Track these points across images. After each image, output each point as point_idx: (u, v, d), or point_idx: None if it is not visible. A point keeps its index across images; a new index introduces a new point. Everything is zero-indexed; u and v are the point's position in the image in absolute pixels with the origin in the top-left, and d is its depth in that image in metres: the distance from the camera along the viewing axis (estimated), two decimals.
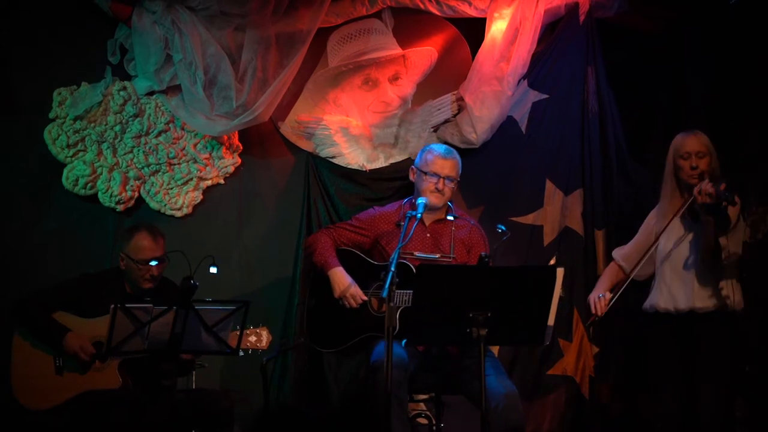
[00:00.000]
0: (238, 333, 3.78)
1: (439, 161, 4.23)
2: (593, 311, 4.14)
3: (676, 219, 4.04)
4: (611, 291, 4.17)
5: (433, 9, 4.98)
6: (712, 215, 3.86)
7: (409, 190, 4.42)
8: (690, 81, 5.07)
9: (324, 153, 4.99)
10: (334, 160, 4.99)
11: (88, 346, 3.93)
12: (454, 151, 4.33)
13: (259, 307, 4.30)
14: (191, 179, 4.88)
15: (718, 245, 3.91)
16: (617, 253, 4.38)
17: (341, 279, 4.16)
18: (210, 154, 4.90)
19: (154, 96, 4.85)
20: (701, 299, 4.00)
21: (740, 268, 4.05)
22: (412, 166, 4.36)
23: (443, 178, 4.21)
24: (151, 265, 4.08)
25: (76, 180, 4.75)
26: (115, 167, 4.81)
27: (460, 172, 4.29)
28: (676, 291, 4.06)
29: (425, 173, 4.23)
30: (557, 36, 5.04)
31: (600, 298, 4.14)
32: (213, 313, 3.65)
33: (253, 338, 4.01)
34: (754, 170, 4.33)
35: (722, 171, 4.00)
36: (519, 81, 4.94)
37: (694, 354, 4.01)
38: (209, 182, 4.92)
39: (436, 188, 4.20)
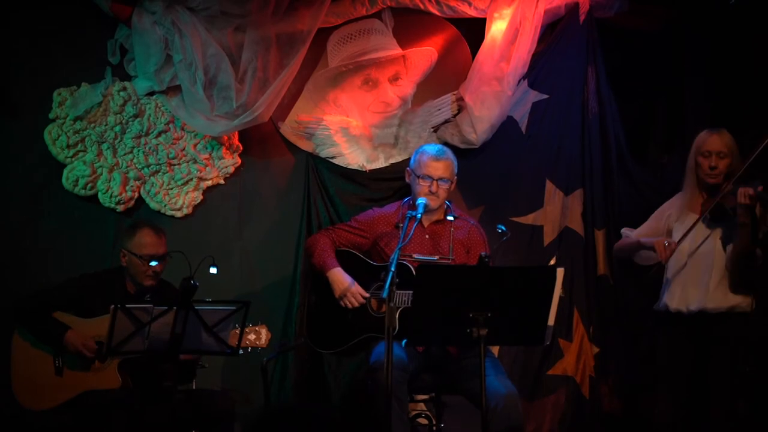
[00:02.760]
0: (238, 331, 3.78)
1: (432, 163, 4.20)
2: (660, 257, 4.04)
3: (695, 217, 4.04)
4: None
5: (433, 9, 4.98)
6: (750, 217, 3.86)
7: (409, 190, 4.42)
8: (690, 81, 5.07)
9: (324, 153, 4.99)
10: (334, 161, 4.99)
11: (90, 342, 3.92)
12: (448, 151, 4.30)
13: (259, 307, 4.30)
14: (191, 179, 4.88)
15: (754, 247, 3.91)
16: (628, 231, 4.36)
17: (341, 279, 4.17)
18: (210, 154, 4.90)
19: (154, 96, 4.85)
20: (714, 300, 4.00)
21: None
22: (407, 168, 4.35)
23: (436, 180, 4.19)
24: (154, 263, 4.09)
25: (76, 180, 4.75)
26: (115, 167, 4.81)
27: (455, 171, 4.26)
28: (689, 291, 4.06)
29: (419, 176, 4.21)
30: (557, 36, 5.03)
31: (666, 244, 4.02)
32: (213, 314, 3.65)
33: (252, 336, 4.01)
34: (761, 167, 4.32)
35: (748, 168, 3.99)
36: (519, 81, 4.94)
37: (706, 354, 4.01)
38: (209, 182, 4.92)
39: (430, 191, 4.18)
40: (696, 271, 4.07)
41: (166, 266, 4.17)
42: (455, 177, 4.28)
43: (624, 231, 4.43)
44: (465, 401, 4.00)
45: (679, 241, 4.07)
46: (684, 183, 4.20)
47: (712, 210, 4.01)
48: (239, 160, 4.94)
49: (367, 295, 4.16)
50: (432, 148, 4.30)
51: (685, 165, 4.22)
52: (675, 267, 4.13)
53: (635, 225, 4.43)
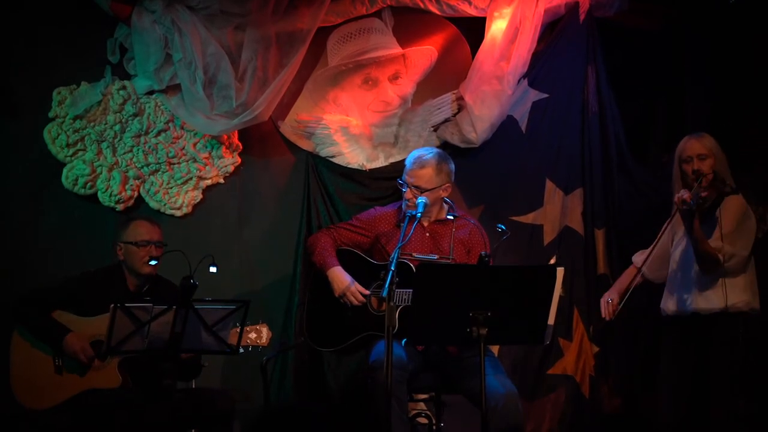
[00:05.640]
0: (238, 330, 3.78)
1: (407, 171, 4.21)
2: (603, 314, 4.19)
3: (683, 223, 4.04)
4: (621, 294, 4.17)
5: (433, 8, 4.98)
6: (691, 221, 3.85)
7: None
8: (690, 79, 5.08)
9: (324, 152, 4.99)
10: (334, 160, 4.99)
11: (89, 348, 3.93)
12: (429, 158, 4.21)
13: (259, 306, 4.32)
14: (191, 178, 4.88)
15: (708, 248, 3.90)
16: (637, 258, 4.34)
17: (340, 278, 4.17)
18: (210, 153, 4.90)
19: (154, 95, 4.85)
20: (704, 301, 3.99)
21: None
22: None
23: (411, 188, 4.18)
24: (152, 246, 4.10)
25: (76, 179, 4.75)
26: (115, 166, 4.81)
27: (436, 179, 4.18)
28: (682, 293, 4.06)
29: (401, 182, 4.24)
30: (557, 35, 5.04)
31: (609, 302, 4.16)
32: (213, 313, 3.65)
33: (253, 335, 4.01)
34: (752, 169, 4.33)
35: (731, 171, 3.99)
36: (519, 80, 4.94)
37: (706, 355, 4.01)
38: (209, 181, 4.91)
39: (406, 197, 4.19)
40: (685, 273, 4.07)
41: (167, 265, 4.17)
42: (447, 185, 4.25)
43: (634, 258, 4.37)
44: (465, 400, 4.00)
45: (635, 276, 4.15)
46: (674, 191, 4.18)
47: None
48: (239, 159, 4.94)
49: (367, 293, 4.16)
50: (413, 155, 4.27)
51: None
52: (672, 270, 4.14)
53: (635, 225, 4.42)
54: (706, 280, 3.98)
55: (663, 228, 4.20)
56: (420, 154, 4.25)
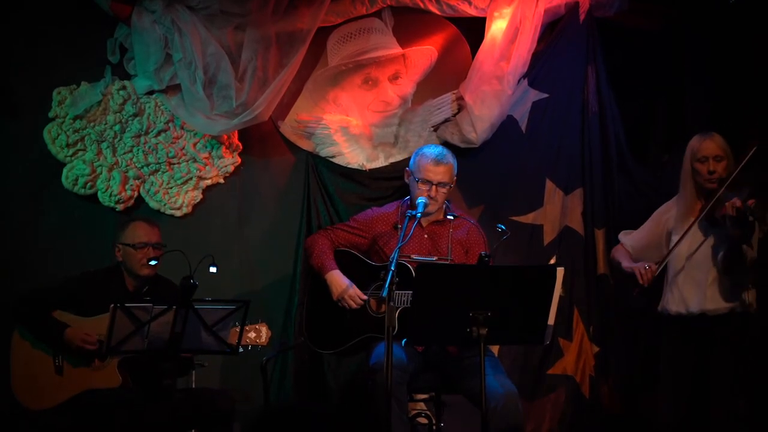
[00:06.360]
0: (237, 329, 3.78)
1: (432, 168, 4.17)
2: (640, 281, 4.07)
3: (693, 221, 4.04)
4: (658, 263, 4.09)
5: (433, 8, 4.97)
6: (739, 228, 3.85)
7: (409, 189, 4.41)
8: (690, 79, 5.07)
9: (324, 152, 4.99)
10: (334, 160, 4.99)
11: (91, 336, 3.90)
12: (448, 154, 4.25)
13: (259, 306, 4.32)
14: (191, 178, 4.88)
15: (742, 253, 3.92)
16: (624, 238, 4.36)
17: (338, 282, 4.16)
18: (210, 153, 4.90)
19: (154, 95, 4.85)
20: (713, 302, 4.00)
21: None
22: (407, 168, 4.34)
23: (435, 185, 4.17)
24: (149, 248, 4.09)
25: (76, 179, 4.75)
26: (115, 167, 4.81)
27: (455, 173, 4.24)
28: (687, 294, 4.05)
29: (418, 180, 4.19)
30: (557, 35, 5.03)
31: (647, 268, 4.06)
32: (213, 313, 3.66)
33: (252, 334, 4.01)
34: (753, 168, 4.32)
35: (739, 174, 3.98)
36: (519, 80, 4.94)
37: (707, 355, 4.01)
38: (209, 182, 4.91)
39: (429, 196, 4.15)
40: (694, 274, 4.07)
41: (166, 265, 4.17)
42: (455, 178, 4.27)
43: (621, 236, 4.41)
44: (465, 401, 3.99)
45: (671, 249, 4.08)
46: (681, 188, 4.17)
47: (706, 216, 4.01)
48: (239, 159, 4.94)
49: (366, 297, 4.15)
50: (432, 152, 4.25)
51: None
52: (673, 271, 4.13)
53: (635, 225, 4.42)
54: (718, 281, 4.00)
55: (654, 216, 4.25)
56: (437, 151, 4.25)
